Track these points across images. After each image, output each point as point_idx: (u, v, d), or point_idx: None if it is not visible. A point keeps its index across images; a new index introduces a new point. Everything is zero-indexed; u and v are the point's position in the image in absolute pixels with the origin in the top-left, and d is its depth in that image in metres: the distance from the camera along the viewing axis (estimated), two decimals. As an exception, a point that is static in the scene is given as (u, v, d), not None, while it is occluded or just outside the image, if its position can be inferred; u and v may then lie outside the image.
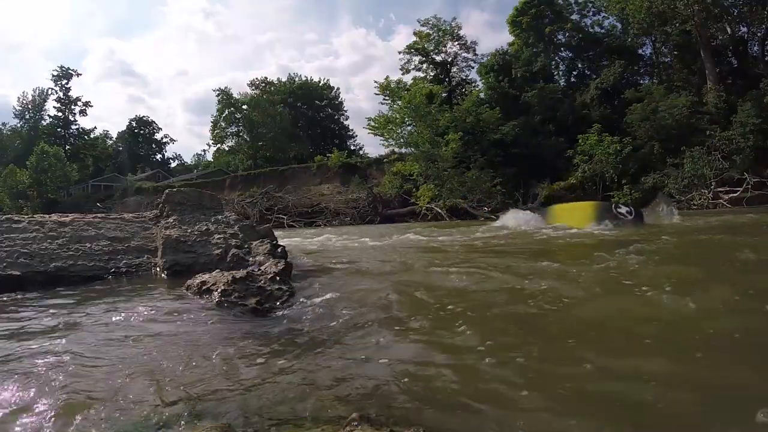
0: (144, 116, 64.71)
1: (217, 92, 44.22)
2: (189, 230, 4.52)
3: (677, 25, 23.02)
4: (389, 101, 23.86)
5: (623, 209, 7.97)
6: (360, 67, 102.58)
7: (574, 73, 29.61)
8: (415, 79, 30.23)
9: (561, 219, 8.55)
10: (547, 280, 3.19)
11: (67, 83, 51.14)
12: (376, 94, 24.55)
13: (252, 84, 49.05)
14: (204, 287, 3.02)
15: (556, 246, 6.15)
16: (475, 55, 31.55)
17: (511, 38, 29.94)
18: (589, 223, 7.72)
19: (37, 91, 53.16)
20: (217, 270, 3.37)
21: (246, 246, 4.34)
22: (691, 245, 5.53)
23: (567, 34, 28.55)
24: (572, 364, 1.73)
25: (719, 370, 1.63)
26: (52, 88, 51.42)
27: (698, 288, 2.79)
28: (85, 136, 53.43)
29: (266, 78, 49.68)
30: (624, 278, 3.24)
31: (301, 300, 2.98)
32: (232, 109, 44.69)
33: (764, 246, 5.26)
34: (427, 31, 30.87)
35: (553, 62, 29.48)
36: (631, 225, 7.50)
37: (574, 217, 8.27)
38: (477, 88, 29.42)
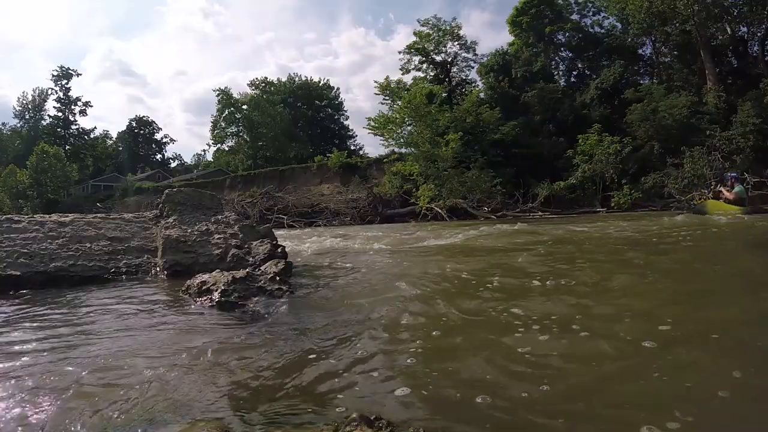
0: (144, 116, 64.82)
1: (217, 92, 44.30)
2: (189, 230, 4.52)
3: (677, 25, 23.02)
4: (389, 101, 23.87)
5: None
6: (359, 67, 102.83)
7: (574, 73, 29.63)
8: (415, 79, 30.27)
9: (718, 209, 10.24)
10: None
11: (67, 83, 51.23)
12: (376, 94, 24.59)
13: (252, 84, 49.19)
14: (204, 287, 3.02)
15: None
16: (475, 55, 31.56)
17: (511, 38, 30.01)
18: (739, 211, 9.61)
19: (37, 91, 53.30)
20: (217, 270, 3.37)
21: (246, 246, 4.34)
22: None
23: (567, 34, 28.56)
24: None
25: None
26: (52, 88, 51.55)
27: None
28: (85, 136, 53.46)
29: (266, 78, 49.83)
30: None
31: (301, 300, 2.98)
32: (232, 109, 44.72)
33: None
34: (427, 31, 30.84)
35: (553, 62, 29.48)
36: None
37: (730, 208, 10.04)
38: (477, 88, 29.41)
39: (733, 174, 11.30)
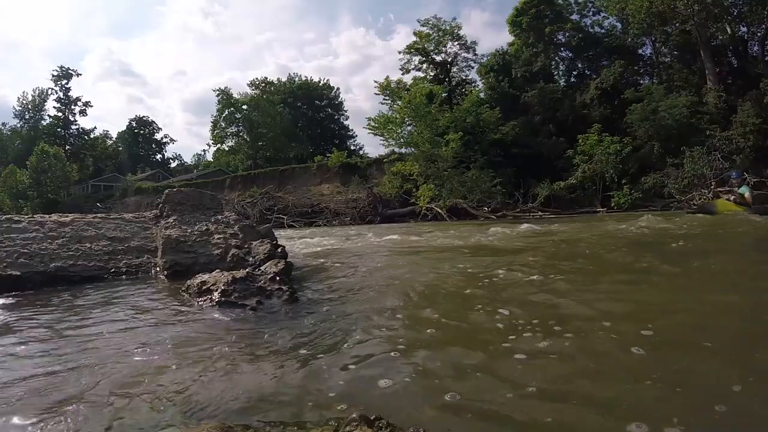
0: (144, 116, 64.89)
1: (217, 92, 44.23)
2: (189, 230, 4.52)
3: (677, 25, 23.00)
4: (389, 101, 23.82)
5: None
6: (359, 67, 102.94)
7: (574, 73, 29.58)
8: (415, 79, 30.23)
9: (728, 209, 10.76)
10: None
11: (67, 83, 51.15)
12: (376, 94, 24.53)
13: (252, 84, 49.16)
14: (204, 287, 3.02)
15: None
16: (475, 55, 31.52)
17: (511, 38, 29.95)
18: (744, 210, 10.18)
19: (37, 91, 53.18)
20: (217, 270, 3.36)
21: (246, 246, 4.34)
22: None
23: (567, 34, 28.50)
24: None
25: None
26: (52, 88, 51.46)
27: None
28: (85, 136, 53.40)
29: (266, 78, 49.82)
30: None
31: (301, 300, 2.98)
32: (232, 109, 44.67)
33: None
34: (427, 31, 30.79)
35: (553, 62, 29.43)
36: None
37: (739, 207, 10.55)
38: (477, 88, 29.39)
39: (737, 173, 11.43)
